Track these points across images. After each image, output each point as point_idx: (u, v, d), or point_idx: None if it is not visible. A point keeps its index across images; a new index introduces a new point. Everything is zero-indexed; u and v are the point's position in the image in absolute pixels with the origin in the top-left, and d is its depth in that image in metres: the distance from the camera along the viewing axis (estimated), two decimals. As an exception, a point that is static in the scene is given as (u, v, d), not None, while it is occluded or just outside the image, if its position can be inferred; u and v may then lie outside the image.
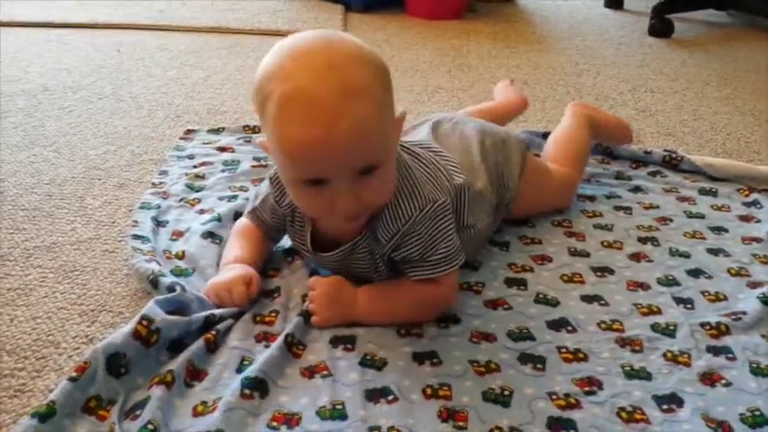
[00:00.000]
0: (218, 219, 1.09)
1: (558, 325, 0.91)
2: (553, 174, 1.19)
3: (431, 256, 0.87)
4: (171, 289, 0.88)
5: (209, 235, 1.05)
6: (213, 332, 0.84)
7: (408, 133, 1.10)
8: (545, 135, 1.45)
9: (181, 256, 1.01)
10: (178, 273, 0.98)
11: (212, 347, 0.84)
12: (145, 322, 0.80)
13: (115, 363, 0.77)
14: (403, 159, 0.89)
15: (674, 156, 1.37)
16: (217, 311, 0.88)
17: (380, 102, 0.78)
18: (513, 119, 1.47)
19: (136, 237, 1.03)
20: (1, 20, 2.23)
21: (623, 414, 0.77)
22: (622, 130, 1.45)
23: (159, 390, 0.75)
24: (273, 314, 0.91)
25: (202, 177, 1.26)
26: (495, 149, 1.09)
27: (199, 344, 0.83)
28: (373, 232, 0.88)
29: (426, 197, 0.87)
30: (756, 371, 0.84)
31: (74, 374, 0.75)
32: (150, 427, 0.71)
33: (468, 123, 1.13)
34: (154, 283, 0.91)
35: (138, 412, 0.74)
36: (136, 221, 1.08)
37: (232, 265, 0.94)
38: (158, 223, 1.09)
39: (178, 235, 1.07)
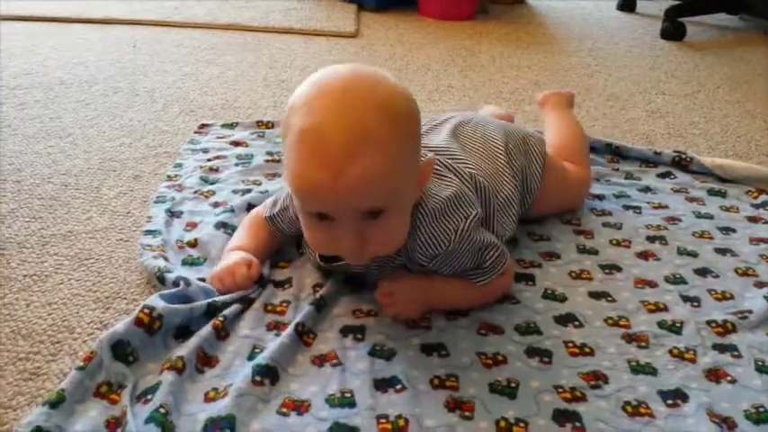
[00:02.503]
0: (232, 210, 1.10)
1: (566, 320, 0.92)
2: (570, 172, 1.19)
3: (483, 264, 0.90)
4: (176, 284, 0.90)
5: (222, 225, 1.07)
6: (220, 318, 0.86)
7: (427, 134, 1.09)
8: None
9: (193, 244, 1.03)
10: (190, 262, 1.00)
11: (222, 334, 0.85)
12: (147, 310, 0.82)
13: (121, 351, 0.79)
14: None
15: (683, 157, 1.38)
16: (219, 298, 0.89)
17: (396, 152, 0.75)
18: None
19: (147, 232, 1.05)
20: (19, 14, 2.26)
21: (628, 408, 0.78)
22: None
23: (171, 375, 0.77)
24: (285, 304, 0.92)
25: (216, 170, 1.27)
26: (519, 151, 1.09)
27: (207, 329, 0.84)
28: (408, 255, 0.89)
29: (459, 214, 0.87)
30: (762, 368, 0.85)
31: (81, 364, 0.77)
32: (162, 410, 0.73)
33: (489, 125, 1.11)
34: (161, 279, 0.93)
35: (149, 396, 0.75)
36: (150, 217, 1.10)
37: (233, 252, 0.96)
38: (172, 214, 1.11)
39: (192, 226, 1.09)
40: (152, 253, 0.98)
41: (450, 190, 0.89)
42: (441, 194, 0.88)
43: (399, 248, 0.86)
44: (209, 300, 0.88)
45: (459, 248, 0.87)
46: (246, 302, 0.91)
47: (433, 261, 0.88)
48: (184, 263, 0.99)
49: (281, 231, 1.00)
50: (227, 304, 0.89)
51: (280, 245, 1.03)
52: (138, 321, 0.81)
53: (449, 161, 0.97)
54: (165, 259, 0.97)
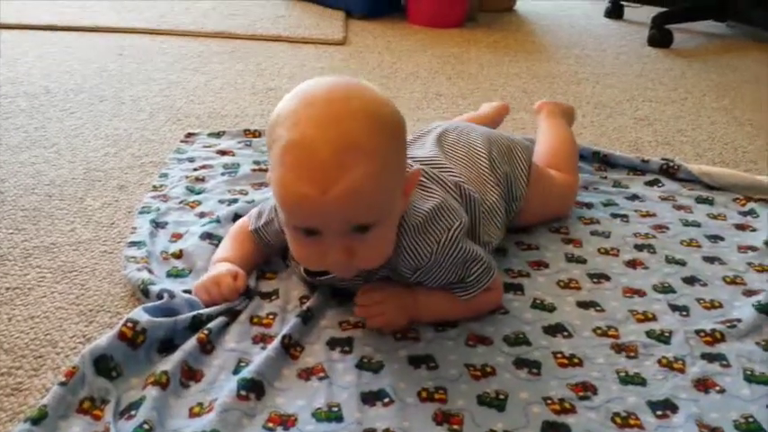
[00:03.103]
0: (217, 220, 1.09)
1: (554, 330, 0.92)
2: (556, 179, 1.19)
3: (467, 278, 0.88)
4: (160, 296, 0.89)
5: (208, 236, 1.06)
6: (205, 332, 0.85)
7: (412, 145, 1.08)
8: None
9: (178, 255, 1.02)
10: (175, 274, 0.99)
11: (207, 348, 0.84)
12: (130, 324, 0.81)
13: (104, 365, 0.78)
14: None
15: (671, 165, 1.38)
16: (204, 311, 0.88)
17: (384, 162, 0.75)
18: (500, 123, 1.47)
19: (132, 244, 1.04)
20: (4, 22, 2.24)
21: (618, 419, 0.78)
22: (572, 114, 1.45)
23: (155, 390, 0.76)
24: (271, 316, 0.91)
25: (203, 180, 1.26)
26: (503, 159, 1.09)
27: (192, 343, 0.83)
28: (392, 268, 0.88)
29: (442, 226, 0.86)
30: (750, 378, 0.85)
31: (63, 379, 0.76)
32: (146, 426, 0.72)
33: (473, 132, 1.11)
34: (144, 292, 0.92)
35: (132, 412, 0.74)
36: (134, 228, 1.09)
37: (219, 264, 0.96)
38: (157, 225, 1.10)
39: (177, 237, 1.08)
40: (136, 265, 0.97)
41: (433, 202, 0.88)
42: (423, 207, 0.87)
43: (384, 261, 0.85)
44: (194, 312, 0.87)
45: (442, 261, 0.86)
46: (232, 315, 0.90)
47: (417, 273, 0.88)
48: (169, 275, 0.98)
49: (266, 244, 0.99)
50: (211, 317, 0.88)
51: (266, 256, 1.02)
52: (121, 335, 0.80)
53: (434, 171, 0.96)
54: (150, 271, 0.96)
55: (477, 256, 0.89)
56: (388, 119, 0.78)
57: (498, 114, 1.45)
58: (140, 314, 0.83)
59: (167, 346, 0.83)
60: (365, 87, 0.79)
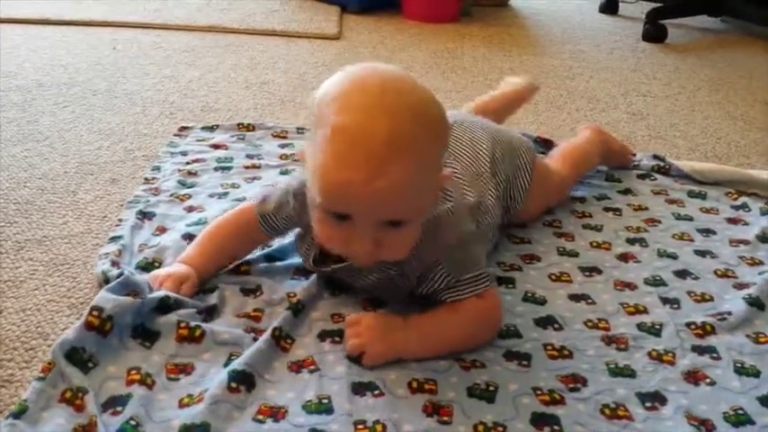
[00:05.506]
0: (205, 222, 1.06)
1: (545, 323, 0.92)
2: (554, 174, 1.19)
3: (463, 276, 0.86)
4: (121, 275, 0.88)
5: (189, 237, 1.03)
6: (185, 328, 0.84)
7: None
8: (537, 140, 1.46)
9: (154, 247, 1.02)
10: (143, 265, 0.98)
11: (197, 341, 0.84)
12: (95, 312, 0.80)
13: (77, 358, 0.77)
14: None
15: (662, 167, 1.38)
16: (172, 295, 0.87)
17: (428, 162, 0.76)
18: (522, 104, 1.47)
19: (111, 239, 1.03)
20: (-3, 16, 2.23)
21: (607, 411, 0.78)
22: (625, 156, 1.41)
23: (141, 390, 0.76)
24: (258, 312, 0.90)
25: (195, 174, 1.26)
26: (505, 160, 1.08)
27: (170, 343, 0.83)
28: (399, 266, 0.87)
29: (453, 228, 0.86)
30: (740, 370, 0.85)
31: (41, 375, 0.75)
32: (132, 422, 0.72)
33: (478, 129, 1.10)
34: (106, 280, 0.91)
35: (118, 408, 0.74)
36: (120, 220, 1.09)
37: (176, 264, 0.94)
38: (144, 215, 1.10)
39: (161, 231, 1.07)
40: (103, 260, 0.97)
41: (449, 204, 0.88)
42: (439, 208, 0.86)
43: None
44: (163, 293, 0.86)
45: (447, 261, 0.85)
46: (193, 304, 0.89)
47: (422, 271, 0.86)
48: (138, 265, 0.97)
49: (272, 230, 0.95)
50: (180, 303, 0.87)
51: (240, 256, 0.99)
52: (87, 325, 0.79)
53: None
54: (114, 263, 0.95)
55: (479, 261, 0.88)
56: (437, 119, 0.77)
57: (518, 97, 1.44)
58: (105, 298, 0.81)
59: (141, 333, 0.83)
60: (416, 84, 0.78)
